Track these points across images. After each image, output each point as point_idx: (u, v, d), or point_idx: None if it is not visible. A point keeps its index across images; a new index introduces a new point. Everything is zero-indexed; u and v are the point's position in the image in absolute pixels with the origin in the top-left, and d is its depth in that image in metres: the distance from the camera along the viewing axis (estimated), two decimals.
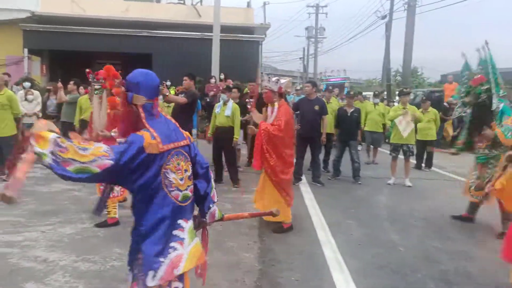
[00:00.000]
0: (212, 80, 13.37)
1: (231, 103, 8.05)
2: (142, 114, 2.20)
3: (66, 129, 9.36)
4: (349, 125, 8.76)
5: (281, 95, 5.42)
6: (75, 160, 1.92)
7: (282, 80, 5.58)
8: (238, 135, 8.15)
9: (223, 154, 8.05)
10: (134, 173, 2.09)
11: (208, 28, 16.19)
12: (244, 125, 8.70)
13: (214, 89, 13.08)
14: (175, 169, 2.22)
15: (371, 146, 11.25)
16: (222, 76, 13.61)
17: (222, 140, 7.93)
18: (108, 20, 16.34)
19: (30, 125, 9.19)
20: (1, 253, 4.32)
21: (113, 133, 5.21)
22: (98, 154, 1.97)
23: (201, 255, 2.36)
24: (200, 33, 16.53)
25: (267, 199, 5.33)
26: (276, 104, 5.36)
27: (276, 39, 60.16)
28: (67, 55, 16.94)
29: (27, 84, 9.55)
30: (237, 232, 5.24)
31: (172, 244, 2.18)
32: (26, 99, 9.26)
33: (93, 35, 16.16)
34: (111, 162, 1.99)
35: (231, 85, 13.28)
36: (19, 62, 15.93)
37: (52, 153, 1.90)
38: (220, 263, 4.25)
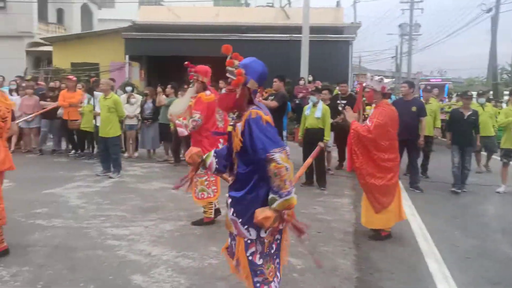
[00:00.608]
0: (301, 82, 13.28)
1: (321, 105, 7.90)
2: (252, 96, 2.58)
3: (162, 130, 9.95)
4: (465, 129, 7.89)
5: (384, 95, 5.15)
6: None
7: (386, 80, 5.28)
8: (329, 137, 7.98)
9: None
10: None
11: (297, 29, 16.19)
12: (334, 127, 8.51)
13: (303, 91, 12.99)
14: None
15: (482, 153, 10.22)
16: (311, 78, 13.48)
17: (312, 142, 7.81)
18: (201, 25, 17.03)
19: (131, 127, 9.88)
20: (111, 245, 4.61)
21: (178, 121, 5.25)
22: (287, 158, 2.48)
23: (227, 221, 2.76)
24: (288, 35, 16.57)
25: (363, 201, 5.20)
26: (373, 105, 5.14)
27: (366, 38, 58.32)
28: (163, 60, 17.94)
29: (129, 89, 10.23)
30: (331, 238, 5.09)
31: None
32: (128, 102, 9.92)
33: (187, 41, 16.91)
34: (287, 147, 2.52)
35: (319, 86, 13.14)
36: (121, 68, 17.20)
37: None
38: (315, 269, 4.15)
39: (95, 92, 9.33)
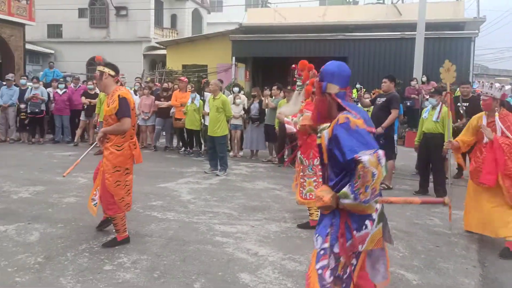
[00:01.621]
0: (413, 83, 12.52)
1: (440, 107, 7.30)
2: (339, 100, 2.40)
3: (268, 131, 10.02)
4: None
5: (503, 103, 4.65)
6: None
7: (507, 86, 4.75)
8: None
9: (430, 163, 7.35)
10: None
11: (410, 26, 15.29)
12: (454, 132, 7.79)
13: (415, 92, 12.23)
14: None
15: None
16: (424, 78, 12.61)
17: (430, 147, 7.24)
18: (307, 25, 16.93)
19: (236, 126, 10.09)
20: (219, 242, 4.69)
21: (286, 118, 5.17)
22: (377, 162, 2.17)
23: (378, 241, 2.44)
24: (400, 33, 15.75)
25: (492, 219, 4.61)
26: (496, 114, 4.62)
27: (489, 34, 52.89)
28: (267, 61, 18.22)
29: (236, 89, 10.47)
30: (451, 253, 4.62)
31: (366, 221, 2.36)
32: (234, 103, 10.16)
33: (292, 41, 16.94)
34: (379, 150, 2.22)
35: (434, 88, 12.23)
36: (228, 69, 17.80)
37: None
38: (434, 285, 3.79)
39: (205, 93, 9.68)
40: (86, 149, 5.14)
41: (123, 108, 4.20)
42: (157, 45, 23.11)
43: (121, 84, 4.72)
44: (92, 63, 24.64)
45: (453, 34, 15.37)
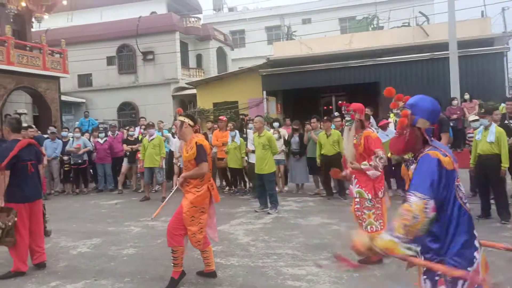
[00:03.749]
0: (454, 102, 12.23)
1: (493, 127, 7.02)
2: (427, 136, 2.42)
3: (310, 164, 9.87)
4: None
5: None
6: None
7: None
8: (507, 163, 7.00)
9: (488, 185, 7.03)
10: (438, 190, 2.25)
11: (438, 46, 15.17)
12: (510, 150, 7.47)
13: (458, 112, 11.93)
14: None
15: None
16: (467, 96, 12.30)
17: (487, 170, 6.94)
18: (334, 54, 16.96)
19: (279, 161, 9.96)
20: (292, 286, 4.49)
21: (363, 165, 5.07)
22: (422, 210, 2.15)
23: (486, 264, 2.39)
24: (429, 53, 15.59)
25: None
26: None
27: None
28: (298, 92, 18.23)
29: (276, 124, 10.41)
30: None
31: (475, 253, 2.30)
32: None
33: (321, 71, 16.95)
34: (431, 201, 2.18)
35: (477, 106, 11.91)
36: (259, 103, 17.87)
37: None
38: None
39: (247, 130, 9.66)
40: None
41: (201, 154, 4.58)
42: (185, 86, 23.55)
43: (197, 132, 4.91)
44: (122, 109, 25.28)
45: (484, 51, 15.11)
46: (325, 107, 20.38)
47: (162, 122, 13.44)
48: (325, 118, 9.60)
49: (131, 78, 25.15)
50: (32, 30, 18.65)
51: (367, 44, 17.03)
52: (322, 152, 9.15)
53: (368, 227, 5.08)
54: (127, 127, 13.44)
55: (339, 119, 9.99)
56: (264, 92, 17.58)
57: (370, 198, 5.12)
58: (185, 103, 24.51)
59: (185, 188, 4.69)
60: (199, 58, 27.51)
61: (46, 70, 17.28)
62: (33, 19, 17.82)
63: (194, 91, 22.02)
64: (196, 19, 26.87)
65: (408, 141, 2.48)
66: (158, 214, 5.07)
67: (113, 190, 11.71)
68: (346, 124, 5.44)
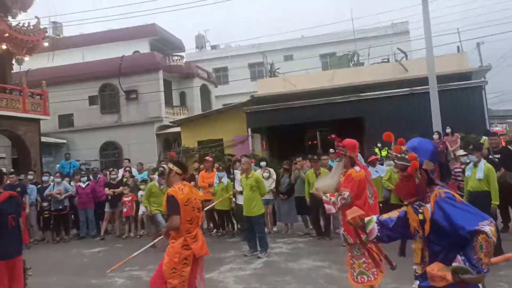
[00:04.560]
0: (435, 136, 12.33)
1: (483, 164, 7.04)
2: (432, 177, 2.54)
3: (299, 203, 9.71)
4: None
5: None
6: None
7: None
8: (497, 201, 6.96)
9: None
10: None
11: (416, 81, 15.52)
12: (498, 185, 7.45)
13: (440, 146, 12.00)
14: None
15: None
16: (449, 130, 12.43)
17: (477, 207, 6.87)
18: (317, 90, 17.14)
19: (268, 201, 9.78)
20: None
21: (324, 196, 4.93)
22: (495, 231, 2.33)
23: None
24: (409, 89, 15.90)
25: None
26: None
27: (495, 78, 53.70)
28: (282, 128, 18.25)
29: (263, 163, 10.28)
30: None
31: None
32: (262, 177, 9.92)
33: (304, 107, 17.05)
34: None
35: (459, 139, 12.03)
36: (244, 141, 17.79)
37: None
38: None
39: (234, 171, 9.50)
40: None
41: (170, 206, 4.42)
42: (169, 124, 23.40)
43: (184, 179, 4.78)
44: (105, 148, 24.88)
45: (463, 85, 15.47)
46: (309, 142, 20.43)
47: (142, 164, 13.21)
48: (314, 157, 9.53)
49: (114, 118, 24.91)
50: (12, 71, 18.42)
51: (349, 80, 17.29)
52: (311, 191, 9.01)
53: (359, 277, 4.79)
54: (109, 169, 13.12)
55: (326, 157, 9.94)
56: (249, 130, 17.55)
57: (355, 244, 4.91)
58: (169, 142, 24.29)
59: (168, 239, 4.61)
60: (182, 96, 27.54)
61: (26, 113, 16.98)
62: (14, 61, 17.62)
63: (178, 129, 21.88)
64: (179, 57, 27.08)
65: (419, 185, 2.55)
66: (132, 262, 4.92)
67: (95, 236, 11.26)
68: (337, 161, 5.36)
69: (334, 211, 4.96)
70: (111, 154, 24.75)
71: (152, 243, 5.13)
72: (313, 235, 9.30)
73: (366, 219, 2.83)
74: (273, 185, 9.98)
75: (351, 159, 5.04)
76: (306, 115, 17.12)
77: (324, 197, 5.08)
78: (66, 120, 25.56)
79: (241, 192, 9.18)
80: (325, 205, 5.03)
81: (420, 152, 2.56)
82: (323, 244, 8.57)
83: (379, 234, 2.79)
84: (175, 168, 4.70)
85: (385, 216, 2.92)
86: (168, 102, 25.59)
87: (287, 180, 9.92)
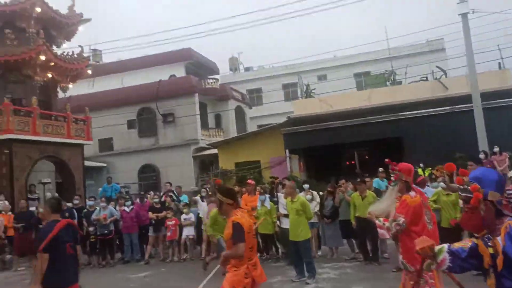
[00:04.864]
0: (482, 156, 11.94)
1: None
2: (500, 208, 2.43)
3: (344, 227, 9.55)
4: None
5: None
6: None
7: None
8: None
9: None
10: None
11: (458, 100, 15.13)
12: None
13: (488, 166, 11.60)
14: None
15: None
16: (497, 149, 12.02)
17: None
18: (354, 110, 17.01)
19: (312, 225, 9.65)
20: None
21: (378, 221, 4.82)
22: None
23: None
24: (450, 107, 15.53)
25: None
26: None
27: None
28: (319, 149, 18.14)
29: (306, 186, 10.20)
30: None
31: None
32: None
33: (342, 128, 16.93)
34: None
35: (507, 159, 11.60)
36: (282, 162, 17.76)
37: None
38: None
39: (278, 194, 9.46)
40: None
41: (236, 234, 4.37)
42: (206, 146, 23.69)
43: (237, 207, 4.75)
44: (143, 171, 25.35)
45: (508, 102, 14.97)
46: (347, 162, 20.18)
47: (180, 188, 13.40)
48: (359, 180, 9.39)
49: (152, 141, 25.45)
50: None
51: (386, 99, 17.08)
52: (356, 215, 8.86)
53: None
54: (150, 193, 13.34)
55: (369, 179, 9.80)
56: (287, 151, 17.52)
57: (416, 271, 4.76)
58: (205, 164, 24.55)
59: (226, 268, 4.54)
60: (218, 118, 27.91)
61: (70, 138, 17.57)
62: (58, 89, 18.37)
63: (214, 151, 22.12)
64: (214, 80, 27.54)
65: (484, 217, 2.48)
66: None
67: (139, 260, 11.38)
68: (391, 186, 5.25)
69: (387, 236, 4.89)
70: (149, 176, 25.20)
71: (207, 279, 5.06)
72: (360, 260, 9.08)
73: (437, 248, 2.71)
74: (317, 208, 9.87)
75: (406, 183, 4.92)
76: (343, 135, 16.99)
77: (377, 222, 4.99)
78: (106, 144, 26.27)
79: (285, 215, 9.14)
80: (379, 229, 4.97)
81: (485, 183, 2.49)
82: (372, 270, 8.34)
83: (450, 265, 2.66)
84: (225, 200, 4.66)
85: (456, 246, 2.83)
86: (204, 124, 25.98)
87: (331, 203, 9.78)
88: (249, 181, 10.68)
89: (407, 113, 16.21)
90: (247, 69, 36.47)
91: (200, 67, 31.39)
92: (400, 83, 20.40)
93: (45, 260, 4.93)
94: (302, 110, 18.26)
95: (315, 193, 10.29)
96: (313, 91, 21.38)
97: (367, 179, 9.70)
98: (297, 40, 68.94)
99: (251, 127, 30.34)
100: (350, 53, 31.08)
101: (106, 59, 33.35)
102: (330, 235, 9.76)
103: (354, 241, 9.48)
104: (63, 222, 5.27)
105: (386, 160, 5.81)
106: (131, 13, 74.75)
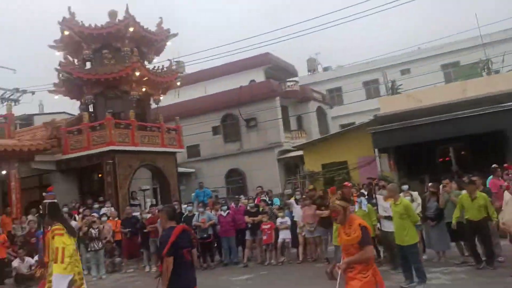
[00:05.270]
0: None
1: None
2: None
3: (451, 229, 9.03)
4: None
5: None
6: None
7: None
8: None
9: None
10: None
11: None
12: None
13: None
14: None
15: None
16: None
17: None
18: (447, 104, 16.04)
19: (416, 227, 9.24)
20: None
21: None
22: None
23: None
24: None
25: None
26: None
27: None
28: (410, 146, 17.34)
29: (405, 187, 9.81)
30: None
31: None
32: None
33: (434, 124, 16.01)
34: None
35: None
36: (371, 162, 17.27)
37: None
38: None
39: (377, 196, 9.21)
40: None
41: (366, 237, 4.42)
42: (289, 148, 23.79)
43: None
44: (230, 176, 26.01)
45: None
46: (441, 159, 19.08)
47: (271, 191, 13.53)
48: (467, 180, 8.85)
49: (236, 146, 26.08)
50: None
51: (484, 91, 15.89)
52: (466, 217, 8.34)
53: None
54: (241, 197, 13.68)
55: (476, 178, 9.19)
56: (376, 150, 17.00)
57: None
58: (290, 166, 24.66)
59: (348, 275, 4.47)
60: (299, 119, 27.92)
61: (164, 147, 18.56)
62: (151, 101, 19.49)
63: (298, 153, 22.13)
64: (293, 82, 27.60)
65: None
66: None
67: (237, 263, 11.69)
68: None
69: None
70: (236, 180, 25.84)
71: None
72: (471, 264, 8.53)
73: None
74: (419, 209, 9.44)
75: None
76: (436, 131, 16.03)
77: None
78: (193, 151, 27.34)
79: (385, 218, 8.88)
80: None
81: None
82: (488, 275, 7.79)
83: None
84: (344, 204, 4.72)
85: None
86: (286, 127, 26.11)
87: (434, 204, 9.30)
88: (345, 183, 10.50)
89: (509, 104, 14.94)
90: (325, 69, 36.06)
91: (278, 70, 31.63)
92: (497, 72, 18.91)
93: (170, 263, 5.22)
94: (388, 108, 17.60)
95: (415, 193, 9.87)
96: (399, 87, 20.55)
97: (474, 178, 9.12)
98: (375, 37, 66.88)
99: (333, 127, 29.92)
100: (435, 44, 29.43)
101: (189, 69, 34.83)
102: (436, 238, 9.27)
103: (463, 244, 8.94)
104: (180, 228, 5.55)
105: (505, 165, 5.48)
106: (210, 23, 77.39)
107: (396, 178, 16.16)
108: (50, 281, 5.40)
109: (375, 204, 9.41)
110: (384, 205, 8.90)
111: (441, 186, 9.72)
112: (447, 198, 9.02)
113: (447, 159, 18.71)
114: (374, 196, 9.82)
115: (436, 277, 8.03)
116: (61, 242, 5.42)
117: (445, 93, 16.94)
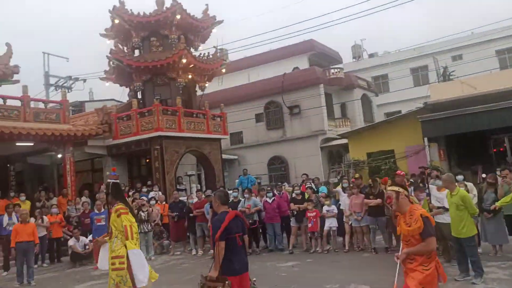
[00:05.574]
0: None
1: None
2: None
3: (509, 222, 8.67)
4: None
5: None
6: None
7: None
8: None
9: None
10: None
11: None
12: None
13: None
14: None
15: None
16: None
17: None
18: (502, 92, 15.26)
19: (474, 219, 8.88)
20: None
21: None
22: None
23: None
24: None
25: None
26: None
27: None
28: (461, 135, 16.70)
29: (460, 177, 9.43)
30: None
31: None
32: None
33: (489, 112, 15.31)
34: None
35: None
36: (420, 151, 16.75)
37: None
38: None
39: (430, 186, 8.93)
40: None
41: (429, 228, 4.24)
42: (333, 136, 23.47)
43: (411, 202, 4.61)
44: (272, 163, 26.01)
45: None
46: (494, 150, 18.25)
47: (318, 179, 13.39)
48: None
49: (279, 133, 25.99)
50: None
51: None
52: None
53: None
54: (285, 184, 13.65)
55: None
56: (425, 139, 16.46)
57: None
58: (333, 154, 24.36)
59: (407, 266, 4.32)
60: (343, 107, 27.43)
61: (210, 134, 18.80)
62: (197, 88, 19.73)
63: (342, 141, 21.78)
64: (338, 69, 27.06)
65: None
66: None
67: (282, 249, 11.73)
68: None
69: None
70: (278, 168, 25.81)
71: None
72: None
73: None
74: (475, 201, 9.05)
75: None
76: (491, 120, 15.36)
77: None
78: (236, 138, 27.51)
79: (439, 208, 8.60)
80: None
81: None
82: None
83: None
84: (401, 190, 4.54)
85: None
86: (330, 114, 25.73)
87: (492, 195, 8.91)
88: (398, 172, 10.19)
89: None
90: (371, 56, 35.15)
91: (322, 57, 31.12)
92: None
93: (222, 248, 5.27)
94: (440, 95, 16.97)
95: (470, 184, 9.48)
96: (452, 73, 19.70)
97: None
98: (422, 22, 64.36)
99: (378, 115, 29.23)
100: (488, 28, 27.97)
101: (232, 57, 34.90)
102: (492, 231, 8.89)
103: None
104: (232, 214, 5.58)
105: None
106: (254, 10, 77.06)
107: (447, 169, 15.63)
108: (112, 258, 5.59)
109: (428, 194, 9.13)
110: (438, 196, 8.62)
111: (498, 177, 9.30)
112: (507, 190, 8.61)
113: (501, 150, 17.89)
114: (427, 186, 9.51)
115: (492, 271, 7.71)
116: (128, 220, 5.63)
117: (500, 80, 16.13)
